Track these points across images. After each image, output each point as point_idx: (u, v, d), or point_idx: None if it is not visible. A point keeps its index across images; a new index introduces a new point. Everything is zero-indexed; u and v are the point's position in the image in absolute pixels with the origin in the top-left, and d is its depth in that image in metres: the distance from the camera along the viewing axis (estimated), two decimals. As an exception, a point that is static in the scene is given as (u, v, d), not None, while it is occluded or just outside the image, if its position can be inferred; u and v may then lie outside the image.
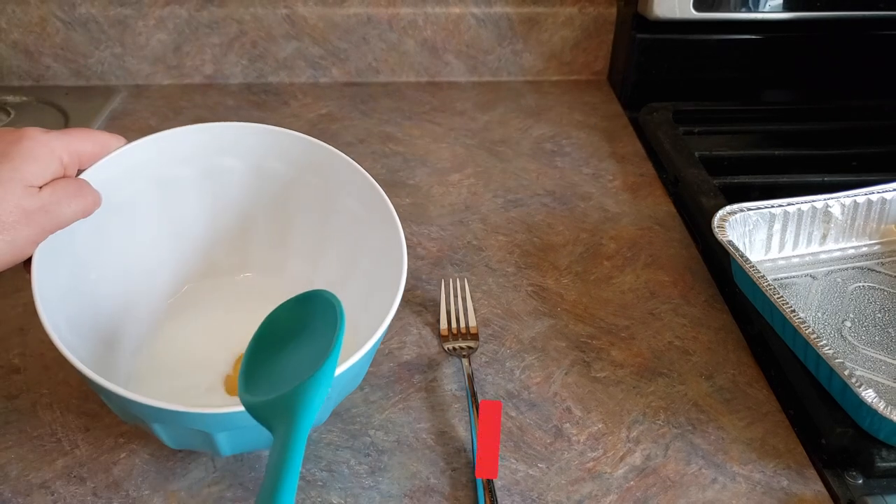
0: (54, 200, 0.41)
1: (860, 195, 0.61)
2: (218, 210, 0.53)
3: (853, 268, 0.60)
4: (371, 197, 0.49)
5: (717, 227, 0.56)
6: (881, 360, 0.51)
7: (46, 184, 0.41)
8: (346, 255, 0.52)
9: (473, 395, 0.49)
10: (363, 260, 0.50)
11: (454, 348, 0.53)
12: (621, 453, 0.47)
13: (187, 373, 0.48)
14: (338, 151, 0.52)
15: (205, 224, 0.53)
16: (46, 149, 0.41)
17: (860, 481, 0.45)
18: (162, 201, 0.51)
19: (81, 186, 0.43)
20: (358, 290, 0.49)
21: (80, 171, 0.44)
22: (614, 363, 0.53)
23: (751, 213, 0.58)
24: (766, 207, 0.59)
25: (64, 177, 0.42)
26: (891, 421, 0.42)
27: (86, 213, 0.43)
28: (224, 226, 0.54)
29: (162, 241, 0.52)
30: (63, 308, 0.42)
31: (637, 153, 0.79)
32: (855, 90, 0.86)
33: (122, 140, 0.47)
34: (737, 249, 0.53)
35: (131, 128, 0.82)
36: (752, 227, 0.59)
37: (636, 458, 0.46)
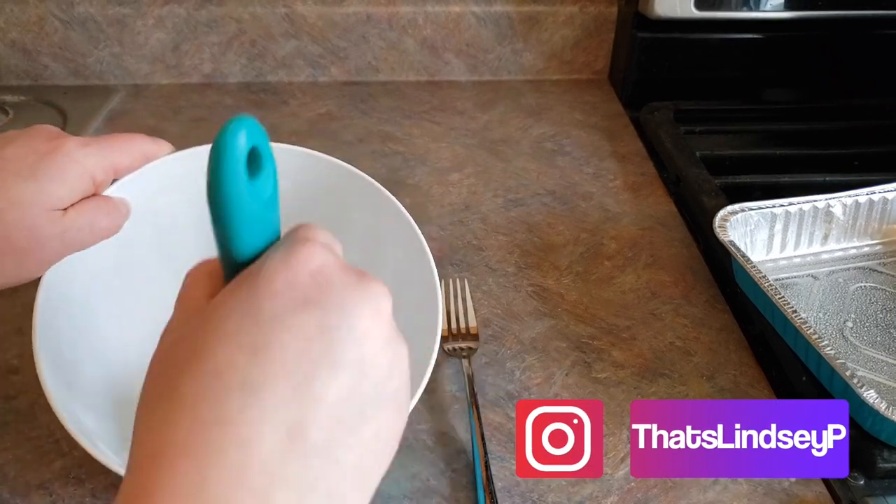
0: (75, 227, 0.37)
1: (862, 195, 0.61)
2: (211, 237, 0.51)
3: (855, 268, 0.60)
4: (385, 210, 0.48)
5: (719, 226, 0.56)
6: (883, 361, 0.51)
7: (73, 204, 0.37)
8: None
9: (473, 395, 0.49)
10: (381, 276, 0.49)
11: (454, 349, 0.53)
12: (622, 454, 0.47)
13: None
14: (341, 162, 0.49)
15: (200, 251, 0.51)
16: (80, 168, 0.37)
17: (861, 482, 0.44)
18: (157, 233, 0.48)
19: (109, 208, 0.39)
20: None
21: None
22: (615, 364, 0.53)
23: (752, 212, 0.58)
24: (768, 207, 0.58)
25: (94, 194, 0.39)
26: (892, 422, 0.42)
27: (111, 233, 0.40)
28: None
29: (159, 273, 0.48)
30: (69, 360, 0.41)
31: (638, 153, 0.79)
32: (857, 89, 0.86)
33: (169, 146, 0.43)
34: (738, 249, 0.53)
35: (130, 128, 0.81)
36: (753, 226, 0.59)
37: (637, 460, 0.46)
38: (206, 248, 0.53)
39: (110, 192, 0.41)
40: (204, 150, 0.48)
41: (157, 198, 0.47)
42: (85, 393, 0.41)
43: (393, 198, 0.49)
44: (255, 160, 0.23)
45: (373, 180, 0.49)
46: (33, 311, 0.39)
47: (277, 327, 0.22)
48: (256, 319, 0.22)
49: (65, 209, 0.37)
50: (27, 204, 0.35)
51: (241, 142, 0.22)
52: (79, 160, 0.37)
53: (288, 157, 0.49)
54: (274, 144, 0.51)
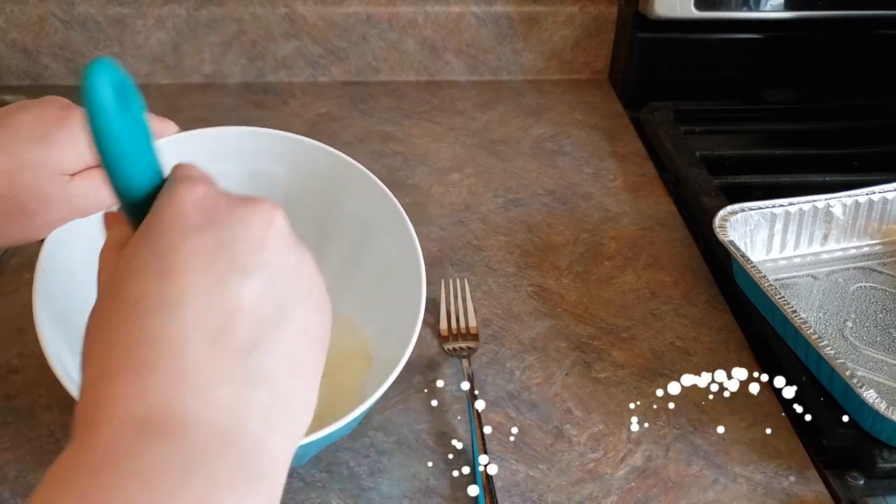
0: (81, 193, 0.39)
1: (861, 195, 0.61)
2: None
3: (854, 268, 0.60)
4: (377, 200, 0.49)
5: (719, 227, 0.56)
6: (882, 361, 0.51)
7: (79, 171, 0.39)
8: (348, 257, 0.51)
9: (473, 395, 0.49)
10: (369, 264, 0.50)
11: (454, 349, 0.53)
12: (622, 454, 0.47)
13: None
14: (337, 152, 0.51)
15: None
16: (81, 132, 0.40)
17: (861, 482, 0.45)
18: None
19: None
20: (360, 297, 0.49)
21: None
22: (615, 364, 0.53)
23: (752, 212, 0.58)
24: (768, 207, 0.58)
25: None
26: (892, 421, 0.42)
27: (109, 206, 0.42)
28: None
29: None
30: (60, 318, 0.41)
31: (638, 153, 0.79)
32: (856, 89, 0.86)
33: (175, 126, 0.45)
34: (738, 249, 0.53)
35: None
36: (753, 227, 0.59)
37: (637, 459, 0.46)
38: None
39: None
40: (212, 133, 0.49)
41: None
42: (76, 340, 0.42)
43: (386, 188, 0.49)
44: (123, 98, 0.24)
45: (366, 170, 0.50)
46: (35, 270, 0.40)
47: (177, 253, 0.24)
48: (156, 252, 0.24)
49: (72, 175, 0.39)
50: (38, 166, 0.37)
51: (105, 81, 0.23)
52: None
53: (283, 144, 0.50)
54: (270, 131, 0.51)
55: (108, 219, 0.28)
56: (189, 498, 0.20)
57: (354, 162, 0.50)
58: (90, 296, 0.40)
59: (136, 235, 0.25)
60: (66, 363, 0.39)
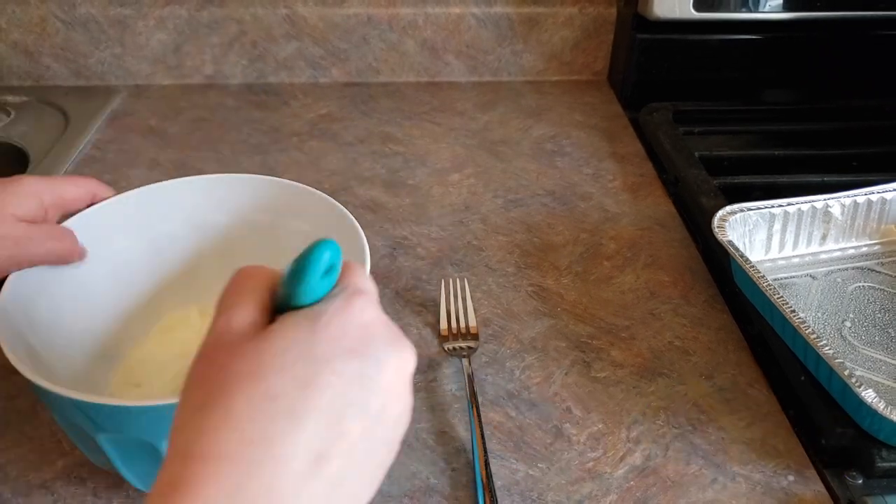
0: (29, 235, 0.42)
1: (860, 195, 0.61)
2: (164, 271, 0.52)
3: (853, 268, 0.60)
4: (326, 213, 0.48)
5: (717, 227, 0.56)
6: (881, 360, 0.51)
7: (29, 221, 0.42)
8: None
9: (473, 395, 0.49)
10: None
11: (454, 348, 0.53)
12: (621, 453, 0.47)
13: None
14: (280, 180, 0.51)
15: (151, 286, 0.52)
16: (29, 188, 0.43)
17: (860, 481, 0.45)
18: (112, 269, 0.49)
19: (63, 233, 0.44)
20: None
21: (64, 218, 0.46)
22: (614, 363, 0.53)
23: (751, 213, 0.58)
24: (766, 207, 0.59)
25: (47, 223, 0.44)
26: (891, 421, 0.42)
27: (61, 259, 0.44)
28: (170, 281, 0.52)
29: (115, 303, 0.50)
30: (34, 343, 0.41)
31: (637, 153, 0.79)
32: (855, 90, 0.86)
33: (111, 190, 0.48)
34: (737, 249, 0.53)
35: (131, 127, 0.82)
36: (752, 227, 0.59)
37: (636, 458, 0.46)
38: (157, 283, 0.53)
39: (71, 221, 0.46)
40: (153, 190, 0.50)
41: (113, 238, 0.49)
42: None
43: (329, 198, 0.49)
44: (331, 267, 0.28)
45: (306, 187, 0.50)
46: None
47: (327, 369, 0.25)
48: (311, 358, 0.25)
49: (20, 220, 0.42)
50: None
51: (325, 257, 0.27)
52: (29, 183, 0.43)
53: (222, 187, 0.51)
54: (207, 177, 0.52)
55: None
56: None
57: (295, 183, 0.50)
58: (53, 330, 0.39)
59: (299, 320, 0.26)
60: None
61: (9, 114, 0.84)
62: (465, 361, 0.52)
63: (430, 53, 0.91)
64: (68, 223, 0.46)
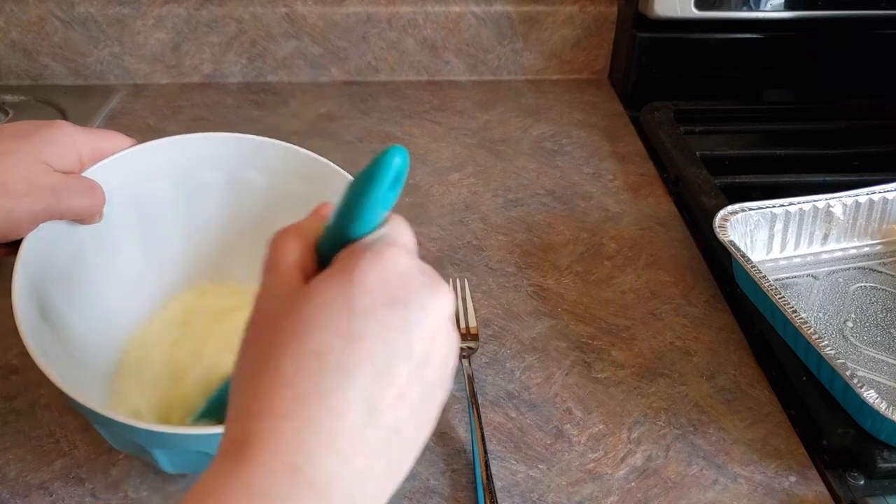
0: (66, 185, 0.41)
1: (861, 195, 0.61)
2: (197, 224, 0.52)
3: (855, 268, 0.60)
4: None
5: (719, 226, 0.56)
6: (883, 361, 0.51)
7: (63, 172, 0.41)
8: None
9: (473, 395, 0.49)
10: None
11: (454, 349, 0.53)
12: (622, 454, 0.47)
13: (172, 387, 0.47)
14: (320, 158, 0.51)
15: (183, 239, 0.52)
16: (69, 139, 0.41)
17: (861, 482, 0.44)
18: (140, 218, 0.49)
19: (95, 187, 0.43)
20: None
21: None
22: (615, 364, 0.53)
23: (752, 212, 0.58)
24: (768, 207, 0.58)
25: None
26: (892, 421, 0.42)
27: (91, 214, 0.43)
28: (203, 239, 0.53)
29: (140, 257, 0.50)
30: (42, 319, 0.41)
31: (638, 152, 0.79)
32: (856, 89, 0.86)
33: (129, 140, 0.47)
34: (738, 249, 0.53)
35: (130, 127, 0.81)
36: (753, 226, 0.59)
37: (637, 459, 0.46)
38: (183, 235, 0.53)
39: (92, 170, 0.44)
40: (185, 139, 0.49)
41: (143, 183, 0.48)
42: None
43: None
44: (396, 178, 0.28)
45: (343, 171, 0.50)
46: (12, 282, 0.40)
47: (369, 319, 0.25)
48: (351, 311, 0.25)
49: (55, 169, 0.41)
50: (23, 152, 0.39)
51: (396, 163, 0.27)
52: (69, 133, 0.42)
53: (262, 150, 0.51)
54: (249, 137, 0.51)
55: (315, 214, 0.30)
56: None
57: (331, 163, 0.50)
58: (73, 294, 0.40)
59: (334, 275, 0.27)
60: (47, 352, 0.39)
61: (7, 113, 0.83)
62: (465, 362, 0.52)
63: (430, 52, 0.91)
64: (93, 169, 0.44)
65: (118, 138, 0.45)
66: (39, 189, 0.39)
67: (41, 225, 0.41)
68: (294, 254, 0.28)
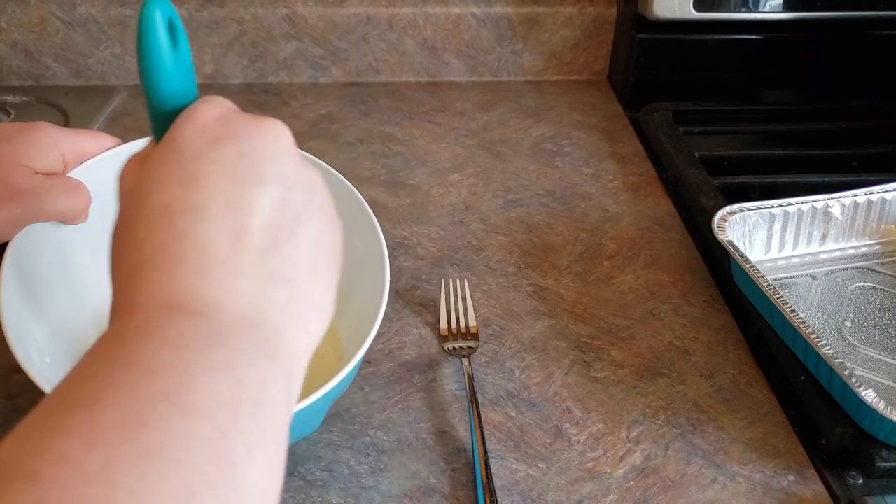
0: (48, 187, 0.40)
1: (860, 195, 0.61)
2: None
3: (853, 268, 0.60)
4: (341, 195, 0.49)
5: (718, 227, 0.56)
6: (881, 360, 0.51)
7: (45, 173, 0.40)
8: None
9: (473, 395, 0.49)
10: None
11: (454, 348, 0.53)
12: (621, 453, 0.47)
13: None
14: (311, 157, 0.51)
15: None
16: (50, 140, 0.41)
17: (860, 481, 0.45)
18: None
19: (79, 187, 0.42)
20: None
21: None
22: (614, 363, 0.53)
23: (751, 213, 0.58)
24: (766, 207, 0.59)
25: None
26: (891, 421, 0.42)
27: (76, 215, 0.43)
28: None
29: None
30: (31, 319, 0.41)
31: (637, 153, 0.79)
32: (855, 90, 0.86)
33: (113, 140, 0.46)
34: (737, 249, 0.53)
35: (131, 128, 0.82)
36: (752, 227, 0.59)
37: (636, 458, 0.46)
38: None
39: (78, 171, 0.44)
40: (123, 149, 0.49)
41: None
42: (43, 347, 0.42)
43: (347, 182, 0.49)
44: (172, 28, 0.27)
45: (335, 171, 0.50)
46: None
47: (200, 162, 0.26)
48: (181, 162, 0.26)
49: (36, 172, 0.40)
50: (2, 155, 0.39)
51: (156, 15, 0.27)
52: (50, 134, 0.41)
53: None
54: None
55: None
56: (213, 363, 0.22)
57: (314, 158, 0.50)
58: (62, 294, 0.40)
59: (158, 147, 0.27)
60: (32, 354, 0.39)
61: (9, 114, 0.84)
62: (464, 361, 0.52)
63: (430, 53, 0.91)
64: (78, 170, 0.44)
65: (102, 138, 0.45)
66: (20, 192, 0.39)
67: (27, 227, 0.41)
68: (134, 164, 0.28)
